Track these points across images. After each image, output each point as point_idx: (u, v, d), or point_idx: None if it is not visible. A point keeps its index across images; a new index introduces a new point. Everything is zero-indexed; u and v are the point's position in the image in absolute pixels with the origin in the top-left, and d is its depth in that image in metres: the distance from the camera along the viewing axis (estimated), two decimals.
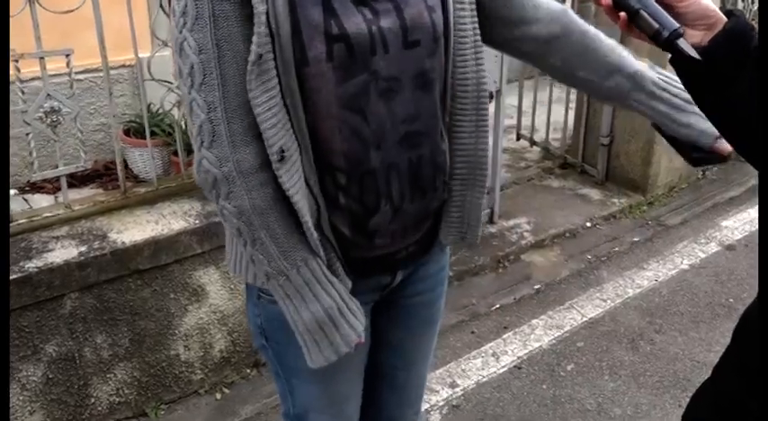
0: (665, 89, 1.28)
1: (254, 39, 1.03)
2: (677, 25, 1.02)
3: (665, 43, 1.03)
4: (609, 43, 1.31)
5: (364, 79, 1.12)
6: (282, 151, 1.09)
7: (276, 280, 1.15)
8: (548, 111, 4.22)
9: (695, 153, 1.31)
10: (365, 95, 1.12)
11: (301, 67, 1.08)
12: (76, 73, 3.34)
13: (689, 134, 1.27)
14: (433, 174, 1.25)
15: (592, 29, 1.32)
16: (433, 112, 1.22)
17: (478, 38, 1.25)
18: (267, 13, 1.04)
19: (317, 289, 1.16)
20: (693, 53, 1.00)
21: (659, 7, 1.04)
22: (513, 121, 4.50)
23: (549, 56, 1.32)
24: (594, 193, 3.97)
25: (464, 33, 1.22)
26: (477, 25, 1.24)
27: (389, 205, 1.20)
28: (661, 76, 1.30)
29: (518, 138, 4.48)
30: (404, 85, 1.15)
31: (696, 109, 1.20)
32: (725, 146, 1.25)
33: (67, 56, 2.18)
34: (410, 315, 1.46)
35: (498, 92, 3.33)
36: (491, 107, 3.52)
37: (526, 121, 4.40)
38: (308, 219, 1.14)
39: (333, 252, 1.21)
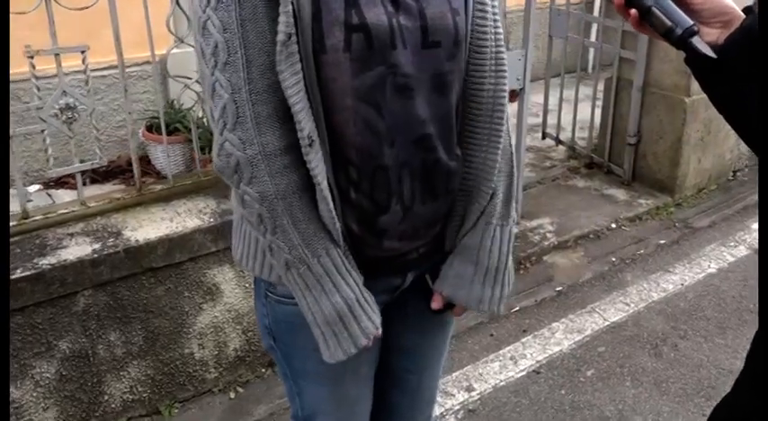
0: (492, 243, 1.30)
1: (282, 18, 1.01)
2: (691, 22, 0.98)
3: (679, 41, 0.98)
4: (502, 165, 1.29)
5: (381, 72, 1.09)
6: (311, 136, 1.07)
7: (296, 269, 1.13)
8: (574, 109, 4.15)
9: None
10: (381, 89, 1.09)
11: (319, 54, 1.06)
12: (101, 69, 3.38)
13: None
14: (445, 178, 1.22)
15: (507, 142, 1.30)
16: (449, 117, 1.19)
17: (501, 49, 1.21)
18: None
19: (337, 279, 1.14)
20: (708, 52, 0.95)
21: (672, 4, 0.99)
22: (539, 120, 4.44)
23: None
24: (620, 194, 3.89)
25: (483, 42, 1.19)
26: (500, 35, 1.21)
27: (400, 204, 1.17)
28: (505, 235, 1.32)
29: (543, 137, 4.42)
30: (421, 85, 1.12)
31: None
32: (434, 303, 1.34)
33: (83, 52, 2.17)
34: (422, 317, 1.42)
35: (522, 90, 3.26)
36: (514, 106, 3.46)
37: (552, 120, 4.33)
38: (332, 207, 1.12)
39: (347, 247, 1.18)
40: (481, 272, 1.29)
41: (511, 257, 1.34)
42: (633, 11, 1.01)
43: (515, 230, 1.35)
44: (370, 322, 1.17)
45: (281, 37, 1.01)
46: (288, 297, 1.18)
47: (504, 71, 1.21)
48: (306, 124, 1.05)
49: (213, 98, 1.06)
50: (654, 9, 0.99)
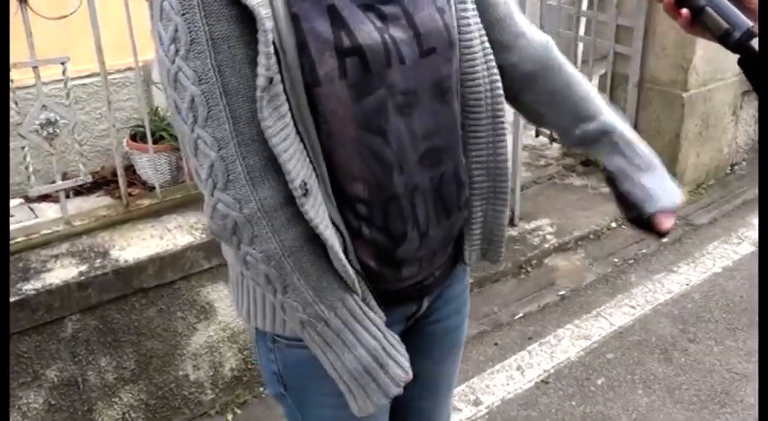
0: (629, 145, 1.20)
1: (262, 60, 0.89)
2: (750, 23, 0.88)
3: (736, 45, 0.89)
4: (585, 87, 1.23)
5: (382, 95, 0.98)
6: (305, 183, 0.96)
7: (313, 327, 1.02)
8: None
9: (636, 212, 1.20)
10: (384, 113, 0.99)
11: (312, 88, 0.95)
12: (81, 77, 3.24)
13: (637, 194, 1.18)
14: (456, 191, 1.13)
15: (571, 68, 1.24)
16: (453, 124, 1.10)
17: (486, 40, 1.12)
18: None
19: (358, 330, 1.04)
20: None
21: (728, 2, 0.90)
22: None
23: (524, 91, 1.23)
24: None
25: (469, 35, 1.09)
26: (482, 26, 1.12)
27: (416, 231, 1.08)
28: (631, 131, 1.23)
29: (537, 135, 4.32)
30: (420, 97, 1.03)
31: (657, 172, 1.19)
32: (664, 223, 1.17)
33: (63, 64, 2.06)
34: (436, 342, 1.34)
35: None
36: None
37: None
38: (340, 252, 1.02)
39: (365, 284, 1.08)
40: (659, 169, 1.20)
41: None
42: (684, 10, 0.91)
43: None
44: (400, 369, 1.07)
45: (261, 81, 0.89)
46: (299, 339, 1.08)
47: (493, 60, 1.13)
48: (298, 172, 0.95)
49: (197, 157, 0.94)
50: (708, 9, 0.90)
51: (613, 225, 3.54)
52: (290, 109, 0.94)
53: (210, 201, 0.96)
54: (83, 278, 2.06)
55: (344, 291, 1.03)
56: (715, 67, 3.61)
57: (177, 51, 0.90)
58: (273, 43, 0.90)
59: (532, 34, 1.21)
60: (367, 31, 0.96)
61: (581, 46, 5.00)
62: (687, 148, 3.71)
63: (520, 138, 3.39)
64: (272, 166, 0.95)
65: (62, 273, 2.07)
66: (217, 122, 0.92)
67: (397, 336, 1.10)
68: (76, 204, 2.83)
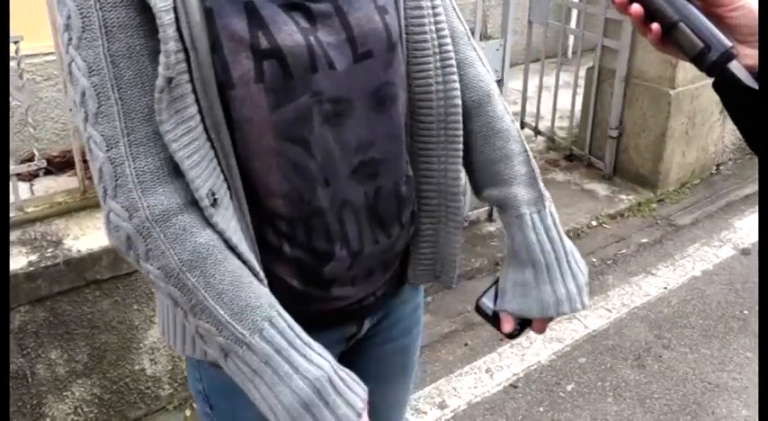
0: (524, 231, 1.07)
1: (161, 58, 0.79)
2: (728, 44, 0.77)
3: (712, 67, 0.78)
4: (512, 149, 1.08)
5: (305, 102, 0.89)
6: (213, 194, 0.86)
7: (235, 353, 0.87)
8: (554, 97, 3.97)
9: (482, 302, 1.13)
10: (307, 122, 0.89)
11: (225, 90, 0.85)
12: (39, 54, 3.12)
13: (499, 285, 1.10)
14: (396, 207, 1.03)
15: (508, 122, 1.09)
16: (395, 135, 0.99)
17: (445, 41, 1.01)
18: (178, 24, 0.80)
19: (292, 356, 0.87)
20: (749, 81, 0.75)
21: (704, 18, 0.78)
22: (518, 108, 4.27)
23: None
24: (601, 189, 3.74)
25: (421, 37, 0.99)
26: (442, 26, 1.01)
27: (346, 249, 0.98)
28: (547, 220, 1.08)
29: (522, 127, 4.24)
30: (355, 106, 0.93)
31: (540, 273, 1.06)
32: (504, 325, 1.10)
33: (16, 43, 1.95)
34: (382, 365, 1.24)
35: (500, 81, 3.08)
36: None
37: (531, 108, 4.15)
38: (257, 268, 0.90)
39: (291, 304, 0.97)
40: (542, 271, 1.06)
41: (568, 241, 1.11)
42: (655, 26, 0.80)
43: (555, 211, 1.11)
44: (350, 408, 0.89)
45: (159, 81, 0.79)
46: None
47: (452, 66, 1.02)
48: (204, 181, 0.84)
49: (92, 159, 0.84)
50: (681, 25, 0.78)
51: (593, 224, 3.47)
52: (201, 112, 0.85)
53: (104, 211, 0.86)
54: (32, 268, 1.97)
55: (269, 308, 0.88)
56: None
57: (70, 40, 0.80)
58: (182, 39, 0.81)
59: (483, 71, 1.10)
60: (288, 31, 0.86)
61: (571, 38, 4.91)
62: (673, 146, 3.64)
63: None
64: (168, 170, 0.84)
65: (11, 262, 1.97)
66: (107, 119, 0.82)
67: (348, 370, 0.94)
68: (46, 183, 2.73)
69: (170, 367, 2.33)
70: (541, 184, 1.09)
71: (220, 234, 0.87)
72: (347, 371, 0.93)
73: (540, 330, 1.12)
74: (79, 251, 2.04)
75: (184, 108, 0.82)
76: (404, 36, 0.98)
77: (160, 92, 0.79)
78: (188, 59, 0.82)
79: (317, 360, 0.89)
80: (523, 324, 1.10)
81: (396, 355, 1.25)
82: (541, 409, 2.37)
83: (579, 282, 1.09)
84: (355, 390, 0.91)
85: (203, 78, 0.83)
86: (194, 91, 0.83)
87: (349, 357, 1.17)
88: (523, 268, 1.07)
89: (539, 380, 2.49)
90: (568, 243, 1.10)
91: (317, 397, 0.87)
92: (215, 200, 0.86)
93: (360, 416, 0.90)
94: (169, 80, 0.79)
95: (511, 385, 2.47)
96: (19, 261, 1.98)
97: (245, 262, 0.89)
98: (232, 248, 0.88)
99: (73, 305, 2.08)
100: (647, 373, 2.53)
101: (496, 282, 1.13)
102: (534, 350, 2.64)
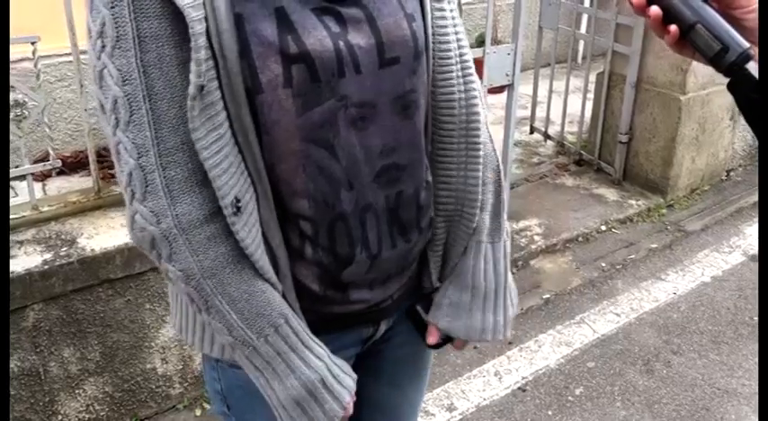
0: (476, 258, 1.13)
1: (193, 67, 0.81)
2: (746, 45, 0.79)
3: (730, 68, 0.80)
4: (485, 176, 1.12)
5: (331, 106, 0.90)
6: (238, 201, 0.88)
7: (241, 351, 0.95)
8: (564, 102, 3.98)
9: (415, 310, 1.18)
10: (333, 126, 0.91)
11: (253, 95, 0.87)
12: (56, 55, 3.15)
13: (436, 299, 1.16)
14: (416, 213, 1.04)
15: (489, 146, 1.13)
16: (416, 141, 1.01)
17: (465, 50, 1.04)
18: (208, 33, 0.82)
19: (291, 359, 0.96)
20: None
21: (721, 19, 0.80)
22: (527, 112, 4.28)
23: None
24: (611, 194, 3.74)
25: (446, 46, 1.01)
26: (461, 36, 1.04)
27: (366, 253, 1.00)
28: (498, 252, 1.14)
29: (531, 131, 4.25)
30: (380, 111, 0.94)
31: (478, 300, 1.13)
32: (430, 337, 1.17)
33: (33, 43, 1.97)
34: (397, 367, 1.26)
35: (511, 86, 3.09)
36: (502, 99, 3.29)
37: (541, 113, 4.16)
38: (272, 276, 0.95)
39: (299, 312, 1.00)
40: (479, 297, 1.13)
41: (510, 275, 1.18)
42: (673, 27, 0.81)
43: (509, 245, 1.18)
44: (338, 403, 0.99)
45: (191, 90, 0.82)
46: None
47: (472, 74, 1.05)
48: (231, 188, 0.88)
49: (119, 163, 0.87)
50: (698, 26, 0.80)
51: (603, 228, 3.47)
52: (229, 118, 0.87)
53: (129, 211, 0.89)
54: (47, 267, 1.99)
55: (278, 317, 0.95)
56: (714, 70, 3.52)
57: (103, 47, 0.83)
58: (212, 47, 0.83)
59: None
60: (318, 36, 0.88)
61: (581, 43, 4.92)
62: (683, 152, 3.64)
63: (512, 134, 3.30)
64: (197, 179, 0.88)
65: (25, 260, 1.99)
66: (138, 128, 0.84)
67: (346, 367, 1.02)
68: (59, 183, 2.75)
69: (181, 366, 2.34)
70: (504, 216, 1.15)
71: (241, 242, 0.90)
72: (341, 364, 1.02)
73: (460, 348, 1.21)
74: (93, 250, 2.06)
75: (215, 115, 0.85)
76: (430, 45, 1.00)
77: (192, 99, 0.82)
78: (217, 67, 0.83)
79: (313, 363, 0.98)
80: (446, 339, 1.18)
81: (411, 358, 1.26)
82: (550, 413, 2.37)
83: (508, 315, 1.16)
84: (345, 383, 1.01)
85: (232, 84, 0.85)
86: (223, 97, 0.85)
87: (365, 359, 1.18)
88: (463, 290, 1.13)
89: (547, 384, 2.50)
90: (510, 277, 1.17)
91: (308, 394, 0.97)
92: (238, 208, 0.88)
93: (344, 409, 1.01)
94: (201, 88, 0.81)
95: (519, 388, 2.48)
96: (33, 259, 2.00)
97: (259, 269, 0.93)
98: (249, 256, 0.91)
99: (86, 303, 2.09)
100: (655, 378, 2.53)
101: (434, 290, 1.18)
102: (543, 354, 2.65)
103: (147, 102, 0.83)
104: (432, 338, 1.16)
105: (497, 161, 1.13)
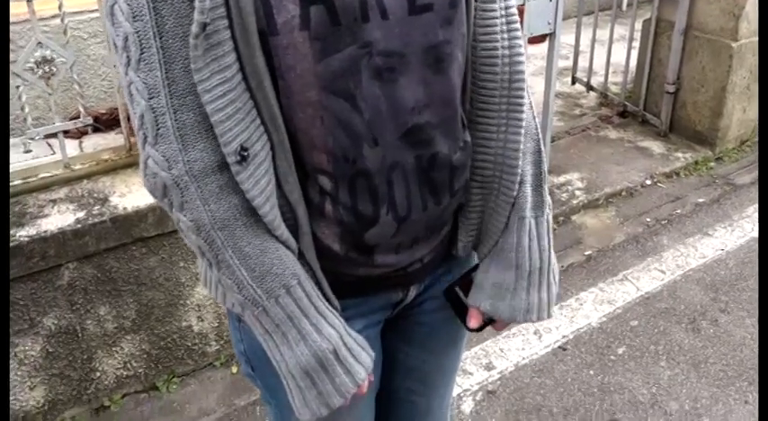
0: (520, 233, 1.05)
1: (197, 3, 0.76)
2: None
3: None
4: (528, 146, 1.05)
5: (352, 53, 0.84)
6: (244, 149, 0.83)
7: (251, 311, 0.91)
8: (608, 51, 3.82)
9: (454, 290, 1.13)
10: (354, 75, 0.85)
11: (267, 37, 0.81)
12: (94, 10, 3.11)
13: (476, 277, 1.10)
14: (449, 175, 0.97)
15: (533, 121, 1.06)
16: (450, 99, 0.94)
17: (510, 3, 0.95)
18: None
19: (302, 325, 0.91)
20: None
21: None
22: (569, 63, 4.13)
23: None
24: (656, 146, 3.61)
25: None
26: None
27: (392, 214, 0.94)
28: (542, 227, 1.07)
29: (573, 82, 4.11)
30: (409, 62, 0.87)
31: (521, 278, 1.06)
32: (471, 320, 1.11)
33: None
34: (431, 333, 1.20)
35: (552, 35, 2.97)
36: (543, 49, 3.17)
37: (583, 63, 4.01)
38: (283, 232, 0.90)
39: (320, 274, 0.95)
40: (523, 277, 1.06)
41: (552, 251, 1.10)
42: None
43: (551, 218, 1.10)
44: (350, 377, 0.94)
45: (193, 28, 0.76)
46: None
47: (518, 29, 0.96)
48: (236, 135, 0.82)
49: (132, 104, 0.83)
50: None
51: (648, 182, 3.35)
52: (240, 60, 0.81)
53: (142, 156, 0.85)
54: (79, 226, 1.97)
55: (291, 277, 0.90)
56: None
57: None
58: None
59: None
60: None
61: None
62: (733, 102, 3.48)
63: (553, 85, 3.18)
64: (209, 124, 0.83)
65: (58, 219, 1.98)
66: (149, 67, 0.80)
67: (363, 342, 0.97)
68: (95, 140, 2.74)
69: (216, 324, 2.34)
70: (545, 189, 1.07)
71: (246, 193, 0.85)
72: (358, 338, 0.97)
73: (501, 329, 1.17)
74: (125, 208, 2.04)
75: (222, 56, 0.79)
76: None
77: (195, 38, 0.77)
78: (228, 4, 0.78)
79: (326, 331, 0.92)
80: (488, 321, 1.12)
81: (446, 324, 1.20)
82: (591, 372, 2.31)
83: (552, 293, 1.09)
84: (360, 358, 0.96)
85: (244, 24, 0.79)
86: (233, 38, 0.79)
87: (397, 322, 1.13)
88: (506, 269, 1.06)
89: (589, 343, 2.44)
90: (553, 253, 1.10)
91: (318, 365, 0.92)
92: (243, 156, 0.83)
93: (361, 383, 0.96)
94: (203, 26, 0.76)
95: (560, 347, 2.42)
96: (66, 218, 1.99)
97: (268, 225, 0.88)
98: (258, 209, 0.87)
99: (120, 262, 2.08)
100: (702, 338, 2.46)
101: (472, 269, 1.11)
102: (584, 312, 2.58)
103: (158, 39, 0.79)
104: (474, 321, 1.10)
105: (537, 129, 1.06)
